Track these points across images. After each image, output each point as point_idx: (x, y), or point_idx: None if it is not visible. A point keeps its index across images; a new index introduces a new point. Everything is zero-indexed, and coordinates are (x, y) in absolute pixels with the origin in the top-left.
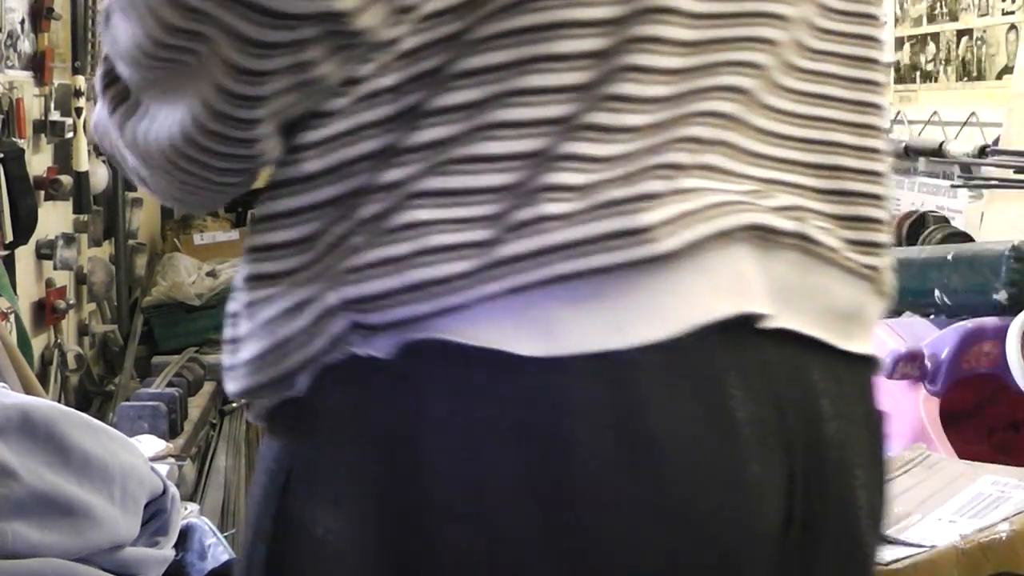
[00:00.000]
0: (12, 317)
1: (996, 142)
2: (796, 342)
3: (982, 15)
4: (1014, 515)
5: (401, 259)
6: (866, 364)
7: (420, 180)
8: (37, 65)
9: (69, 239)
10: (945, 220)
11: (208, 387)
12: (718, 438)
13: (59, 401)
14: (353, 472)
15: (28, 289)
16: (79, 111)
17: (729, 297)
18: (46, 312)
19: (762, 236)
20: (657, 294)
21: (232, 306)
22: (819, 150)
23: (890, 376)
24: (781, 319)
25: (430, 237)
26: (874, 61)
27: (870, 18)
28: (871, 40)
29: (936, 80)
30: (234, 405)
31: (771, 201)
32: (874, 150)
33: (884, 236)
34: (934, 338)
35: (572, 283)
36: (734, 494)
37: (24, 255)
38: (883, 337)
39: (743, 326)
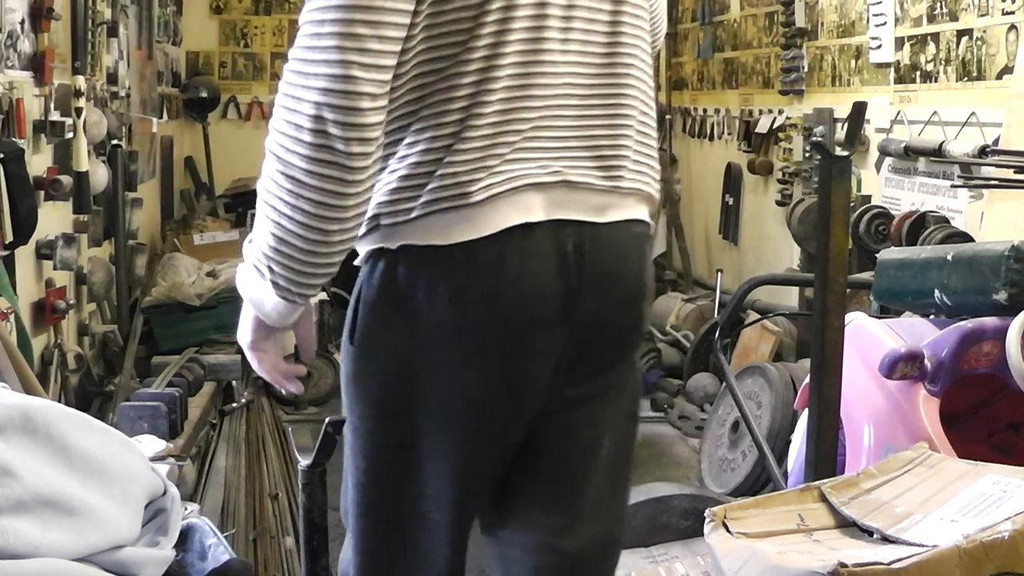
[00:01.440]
0: (12, 317)
1: (996, 142)
2: (571, 223)
3: (982, 15)
4: (1016, 514)
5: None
6: (621, 223)
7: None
8: (37, 65)
9: (69, 239)
10: (945, 220)
11: (208, 387)
12: (538, 260)
13: (59, 401)
14: (382, 293)
15: (28, 289)
16: (79, 111)
17: (521, 214)
18: (46, 312)
19: (541, 185)
20: (484, 216)
21: None
22: (587, 140)
23: (890, 376)
24: (559, 215)
25: (394, 195)
26: (623, 85)
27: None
28: (623, 65)
29: (936, 80)
30: (234, 405)
31: (547, 170)
32: (623, 127)
33: (627, 172)
34: (934, 338)
35: (447, 214)
36: (543, 281)
37: (24, 255)
38: (883, 337)
39: (539, 223)
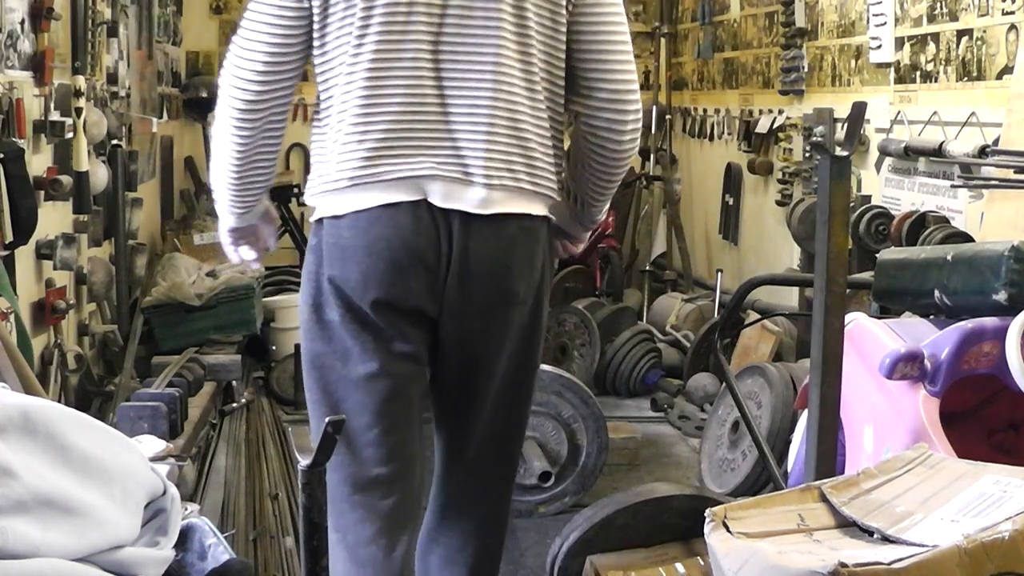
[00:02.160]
0: (12, 317)
1: (996, 142)
2: (453, 212)
3: (982, 15)
4: (1016, 514)
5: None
6: (500, 216)
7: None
8: (37, 65)
9: (69, 239)
10: (945, 220)
11: (208, 387)
12: (396, 226)
13: (59, 401)
14: (312, 244)
15: (28, 289)
16: (79, 111)
17: (388, 195)
18: (46, 312)
19: (413, 178)
20: (358, 199)
21: None
22: (452, 142)
23: (890, 376)
24: (444, 204)
25: (311, 189)
26: (501, 75)
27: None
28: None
29: (936, 80)
30: (234, 405)
31: (431, 165)
32: (491, 133)
33: (494, 170)
34: (934, 338)
35: (336, 196)
36: (399, 241)
37: (24, 255)
38: (883, 337)
39: (404, 202)
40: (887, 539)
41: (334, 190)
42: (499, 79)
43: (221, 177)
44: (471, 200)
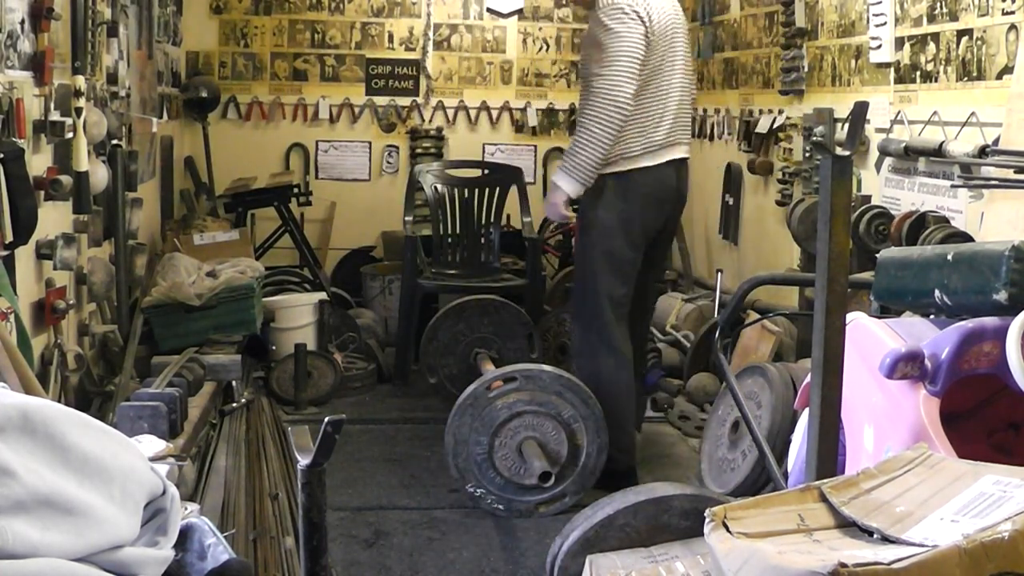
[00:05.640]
0: (12, 317)
1: (996, 142)
2: (680, 159)
3: (982, 15)
4: (1016, 514)
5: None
6: (686, 158)
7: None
8: (37, 65)
9: (69, 239)
10: (945, 220)
11: (208, 387)
12: (666, 175)
13: (59, 401)
14: (609, 184)
15: (28, 289)
16: (79, 111)
17: (665, 156)
18: (46, 312)
19: (671, 145)
20: (647, 158)
21: None
22: (677, 120)
23: (890, 376)
24: (677, 155)
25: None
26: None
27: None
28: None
29: (936, 80)
30: (234, 405)
31: (671, 135)
32: (684, 112)
33: (684, 134)
34: (934, 338)
35: (646, 154)
36: (670, 185)
37: (24, 255)
38: (883, 337)
39: (671, 160)
40: (887, 539)
41: (638, 154)
42: (681, 77)
43: (587, 158)
44: (686, 151)
